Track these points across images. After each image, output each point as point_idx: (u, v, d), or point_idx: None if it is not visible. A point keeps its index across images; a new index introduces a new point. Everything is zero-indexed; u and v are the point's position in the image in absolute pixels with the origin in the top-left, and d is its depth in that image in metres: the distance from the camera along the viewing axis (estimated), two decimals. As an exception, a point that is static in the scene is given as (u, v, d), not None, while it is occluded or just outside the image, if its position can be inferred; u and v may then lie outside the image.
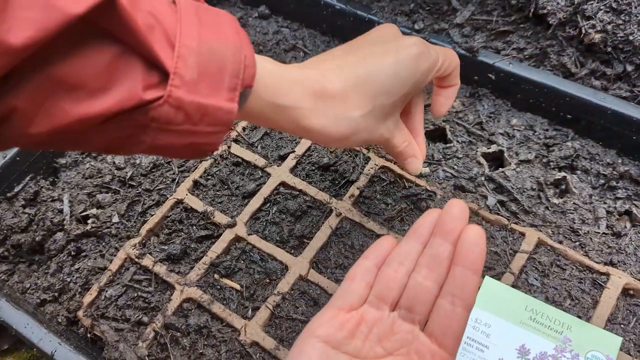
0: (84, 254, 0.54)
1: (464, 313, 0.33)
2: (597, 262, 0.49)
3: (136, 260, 0.52)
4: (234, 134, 0.60)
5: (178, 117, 0.29)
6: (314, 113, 0.35)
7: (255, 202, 0.55)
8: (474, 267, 0.34)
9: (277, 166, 0.57)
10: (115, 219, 0.56)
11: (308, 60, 0.39)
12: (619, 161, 0.56)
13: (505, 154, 0.57)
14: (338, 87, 0.36)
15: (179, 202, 0.55)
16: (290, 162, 0.57)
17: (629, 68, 0.56)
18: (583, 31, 0.56)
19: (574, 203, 0.54)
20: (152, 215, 0.55)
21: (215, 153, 0.59)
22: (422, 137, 0.46)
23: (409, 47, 0.38)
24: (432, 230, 0.36)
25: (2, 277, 0.54)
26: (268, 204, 0.55)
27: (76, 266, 0.54)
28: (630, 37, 0.54)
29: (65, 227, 0.56)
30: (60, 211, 0.57)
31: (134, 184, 0.58)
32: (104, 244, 0.55)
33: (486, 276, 0.48)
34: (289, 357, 0.34)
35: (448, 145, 0.59)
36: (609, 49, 0.56)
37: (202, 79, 0.29)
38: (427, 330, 0.34)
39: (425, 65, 0.38)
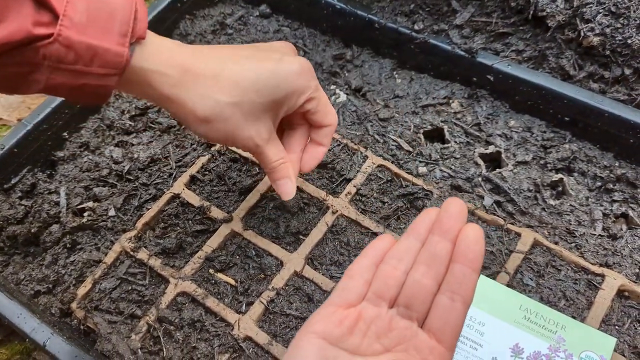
0: (79, 246, 0.54)
1: (462, 309, 0.33)
2: (592, 264, 0.49)
3: (131, 253, 0.52)
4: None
5: (69, 56, 0.32)
6: (181, 84, 0.38)
7: (252, 198, 0.55)
8: (473, 265, 0.33)
9: (275, 163, 0.57)
10: (112, 212, 0.56)
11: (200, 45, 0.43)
12: (616, 164, 0.56)
13: (503, 155, 0.57)
14: (211, 67, 0.39)
15: (176, 196, 0.55)
16: (287, 159, 0.57)
17: (627, 71, 0.56)
18: (582, 34, 0.56)
19: (570, 205, 0.54)
20: (149, 209, 0.55)
21: (213, 149, 0.59)
22: (298, 157, 0.47)
23: (292, 63, 0.41)
24: (430, 228, 0.35)
25: (-3, 268, 0.54)
26: (264, 200, 0.55)
27: (71, 258, 0.53)
28: (629, 41, 0.55)
29: (62, 219, 0.56)
30: (57, 204, 0.57)
31: (131, 178, 0.58)
32: (99, 237, 0.55)
33: (481, 275, 0.48)
34: (287, 353, 0.33)
35: (446, 145, 0.59)
36: (608, 52, 0.56)
37: (91, 23, 0.33)
38: (426, 327, 0.34)
39: (299, 83, 0.42)
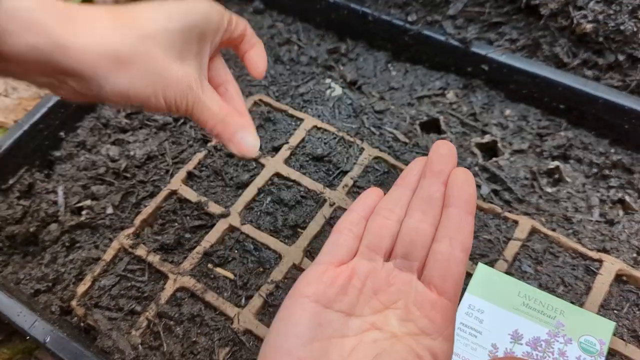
0: (78, 244, 0.54)
1: (462, 256, 0.31)
2: (590, 249, 0.49)
3: (130, 250, 0.52)
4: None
5: None
6: (66, 22, 0.29)
7: (249, 193, 0.55)
8: (467, 208, 0.31)
9: (271, 157, 0.57)
10: (110, 210, 0.56)
11: None
12: (612, 150, 0.56)
13: (499, 144, 0.57)
14: (104, 12, 0.32)
15: (173, 192, 0.56)
16: (284, 153, 0.57)
17: (621, 58, 0.56)
18: (575, 22, 0.56)
19: (567, 192, 0.54)
20: (146, 206, 0.55)
21: (209, 144, 0.59)
22: (248, 117, 0.39)
23: None
24: (420, 176, 0.34)
25: (-4, 268, 0.54)
26: (262, 194, 0.55)
27: (70, 257, 0.53)
28: (622, 27, 0.55)
29: (60, 218, 0.56)
30: (55, 203, 0.57)
31: (128, 175, 0.58)
32: (98, 235, 0.55)
33: (479, 263, 0.48)
34: (276, 319, 0.31)
35: (442, 135, 0.59)
36: (601, 39, 0.56)
37: None
38: (425, 279, 0.31)
39: (210, 4, 0.36)
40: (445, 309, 0.30)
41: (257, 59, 0.41)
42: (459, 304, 0.33)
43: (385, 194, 0.35)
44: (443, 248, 0.31)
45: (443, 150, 0.33)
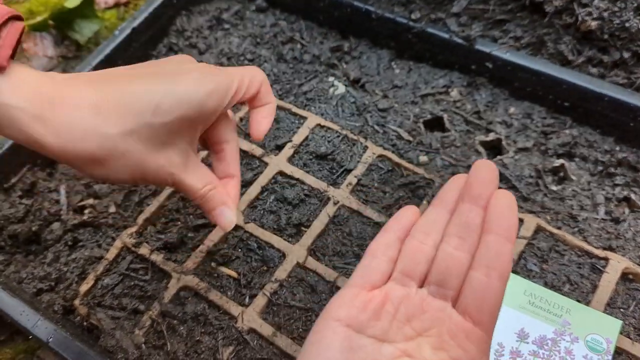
0: (80, 243, 0.54)
1: (500, 285, 0.29)
2: (596, 247, 0.49)
3: (133, 249, 0.52)
4: (231, 124, 0.60)
5: None
6: (49, 121, 0.30)
7: (253, 191, 0.54)
8: (508, 235, 0.30)
9: (275, 155, 0.57)
10: (112, 209, 0.56)
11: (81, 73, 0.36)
12: (617, 148, 0.56)
13: (504, 142, 0.57)
14: (88, 96, 0.31)
15: (176, 191, 0.55)
16: (287, 151, 0.57)
17: (626, 55, 0.56)
18: (579, 19, 0.56)
19: (572, 190, 0.53)
20: (149, 204, 0.55)
21: (212, 143, 0.59)
22: (237, 181, 0.41)
23: (190, 71, 0.34)
24: (458, 197, 0.32)
25: (-1, 267, 0.54)
26: (265, 193, 0.55)
27: (73, 256, 0.53)
28: (627, 24, 0.54)
29: (62, 217, 0.55)
30: (57, 202, 0.57)
31: (131, 174, 0.58)
32: (100, 233, 0.55)
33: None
34: (307, 343, 0.30)
35: (446, 134, 0.59)
36: (606, 37, 0.56)
37: None
38: (460, 307, 0.30)
39: (208, 88, 0.34)
40: (481, 339, 0.29)
41: (261, 119, 0.40)
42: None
43: (419, 210, 0.34)
44: (480, 277, 0.30)
45: (483, 171, 0.31)
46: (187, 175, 0.36)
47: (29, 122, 0.30)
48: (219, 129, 0.40)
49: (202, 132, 0.38)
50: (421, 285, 0.32)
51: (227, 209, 0.39)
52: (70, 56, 0.79)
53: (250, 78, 0.38)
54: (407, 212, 0.34)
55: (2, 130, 0.31)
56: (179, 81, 0.33)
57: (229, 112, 0.40)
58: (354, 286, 0.32)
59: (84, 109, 0.31)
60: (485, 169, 0.31)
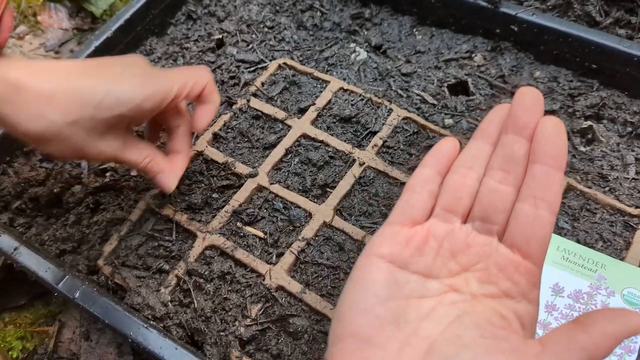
0: (102, 206, 0.53)
1: (549, 217, 0.28)
2: (628, 205, 0.48)
3: (156, 210, 0.51)
4: (252, 89, 0.59)
5: None
6: (12, 103, 0.36)
7: (277, 154, 0.54)
8: (557, 163, 0.28)
9: (298, 119, 0.56)
10: (134, 172, 0.55)
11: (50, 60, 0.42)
12: (646, 110, 0.55)
13: (530, 105, 0.56)
14: (46, 86, 0.36)
15: (199, 154, 0.55)
16: (310, 114, 0.56)
17: (655, 15, 0.55)
18: (608, -21, 0.55)
19: (601, 150, 0.53)
20: (172, 167, 0.54)
21: (234, 107, 0.58)
22: (184, 156, 0.48)
23: (134, 76, 0.40)
24: (501, 128, 0.30)
25: (20, 230, 0.53)
26: (289, 155, 0.54)
27: (95, 218, 0.52)
28: (657, -17, 0.53)
29: (84, 180, 0.55)
30: (78, 165, 0.56)
31: (153, 138, 0.57)
32: (122, 197, 0.54)
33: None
34: (351, 279, 0.30)
35: (471, 97, 0.58)
36: (634, -3, 0.55)
37: None
38: (507, 241, 0.29)
39: (147, 92, 0.39)
40: (530, 272, 0.28)
41: (202, 116, 0.46)
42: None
43: (459, 143, 0.33)
44: (527, 208, 0.28)
45: (528, 99, 0.29)
46: (126, 153, 0.42)
47: (0, 104, 0.36)
48: (168, 118, 0.46)
49: (140, 124, 0.46)
50: (465, 221, 0.31)
51: (164, 176, 0.46)
52: (86, 28, 0.78)
53: (194, 81, 0.43)
54: (445, 144, 0.32)
55: None
56: (122, 83, 0.39)
57: (182, 103, 0.46)
58: (394, 223, 0.31)
59: (41, 97, 0.36)
60: (530, 96, 0.29)
